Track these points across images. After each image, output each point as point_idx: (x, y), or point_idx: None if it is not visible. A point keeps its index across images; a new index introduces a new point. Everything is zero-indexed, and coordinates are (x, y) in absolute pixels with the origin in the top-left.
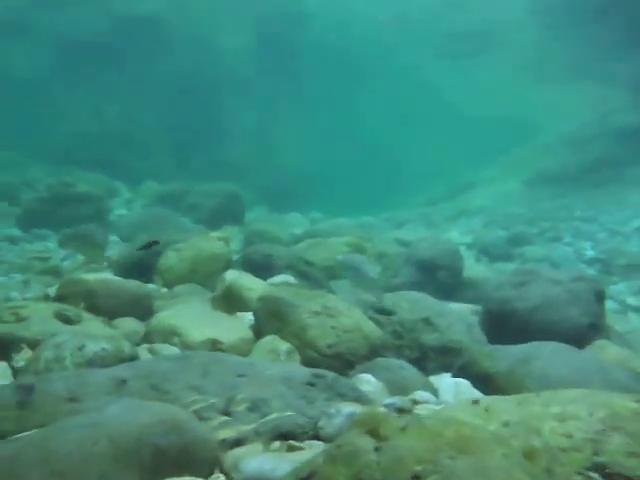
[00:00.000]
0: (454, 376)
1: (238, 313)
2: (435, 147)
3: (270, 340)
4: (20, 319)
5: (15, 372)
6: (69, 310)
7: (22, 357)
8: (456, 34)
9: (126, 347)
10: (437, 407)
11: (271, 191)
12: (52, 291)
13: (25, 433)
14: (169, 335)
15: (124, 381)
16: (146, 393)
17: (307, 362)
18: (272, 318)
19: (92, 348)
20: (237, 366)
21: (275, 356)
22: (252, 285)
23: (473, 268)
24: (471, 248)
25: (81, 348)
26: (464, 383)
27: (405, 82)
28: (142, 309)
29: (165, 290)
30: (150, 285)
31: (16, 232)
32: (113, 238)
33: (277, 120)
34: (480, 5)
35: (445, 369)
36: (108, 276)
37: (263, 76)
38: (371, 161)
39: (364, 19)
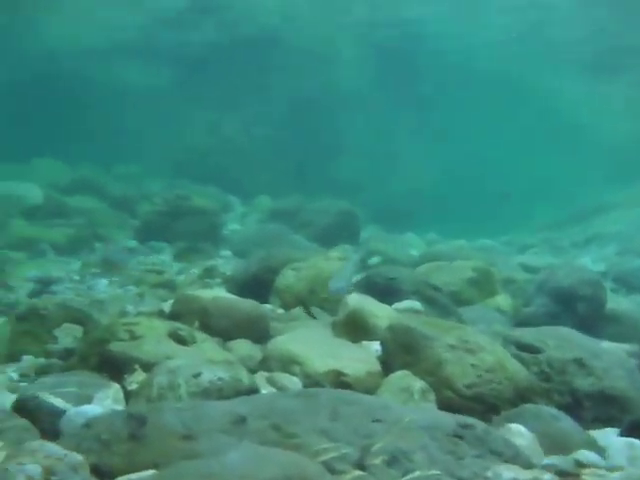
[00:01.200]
0: (621, 434)
1: (363, 342)
2: (559, 167)
3: (402, 376)
4: (134, 337)
5: (127, 395)
6: (183, 329)
7: (135, 379)
8: (585, 49)
9: (244, 377)
10: (612, 474)
11: (384, 210)
12: (166, 305)
13: (136, 475)
14: (288, 363)
15: (243, 419)
16: (268, 435)
17: (443, 404)
18: (402, 351)
19: (208, 376)
20: (371, 408)
21: (408, 395)
22: (378, 311)
23: (611, 300)
24: (605, 277)
25: (196, 376)
26: None
27: (528, 99)
28: (258, 331)
29: (282, 311)
30: (267, 305)
31: (133, 244)
32: (226, 253)
33: (392, 138)
34: (612, 19)
35: (603, 421)
36: (223, 293)
37: (380, 92)
38: (490, 181)
39: (488, 33)
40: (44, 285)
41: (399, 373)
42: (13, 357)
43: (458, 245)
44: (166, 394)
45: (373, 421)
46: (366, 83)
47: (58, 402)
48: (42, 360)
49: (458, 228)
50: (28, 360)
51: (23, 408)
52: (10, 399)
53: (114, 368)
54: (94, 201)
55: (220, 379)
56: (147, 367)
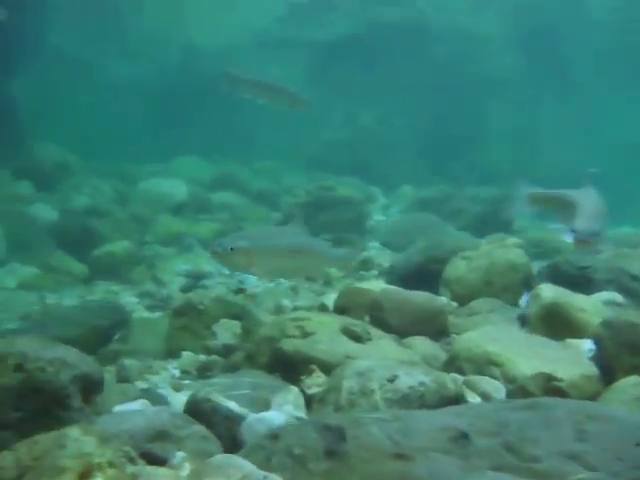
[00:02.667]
0: None
1: (567, 340)
2: None
3: (637, 383)
4: (305, 334)
5: (307, 400)
6: (357, 325)
7: (314, 382)
8: None
9: (448, 381)
10: None
11: None
12: (326, 299)
13: None
14: (484, 364)
15: (465, 435)
16: (502, 458)
17: None
18: (627, 351)
19: (407, 381)
20: (628, 427)
21: None
22: (584, 304)
23: None
24: None
25: (392, 380)
26: None
27: None
28: (436, 327)
29: (455, 305)
30: (442, 298)
31: None
32: (374, 244)
33: (540, 121)
34: None
35: None
36: (390, 286)
37: (526, 72)
38: None
39: None
40: (195, 279)
41: (632, 379)
42: (172, 353)
43: (624, 232)
44: (358, 401)
45: (638, 444)
46: (511, 67)
47: (233, 406)
48: (202, 357)
49: (615, 215)
50: (188, 357)
51: (197, 412)
52: (177, 398)
53: (287, 368)
54: (236, 196)
55: (422, 384)
56: (325, 368)
